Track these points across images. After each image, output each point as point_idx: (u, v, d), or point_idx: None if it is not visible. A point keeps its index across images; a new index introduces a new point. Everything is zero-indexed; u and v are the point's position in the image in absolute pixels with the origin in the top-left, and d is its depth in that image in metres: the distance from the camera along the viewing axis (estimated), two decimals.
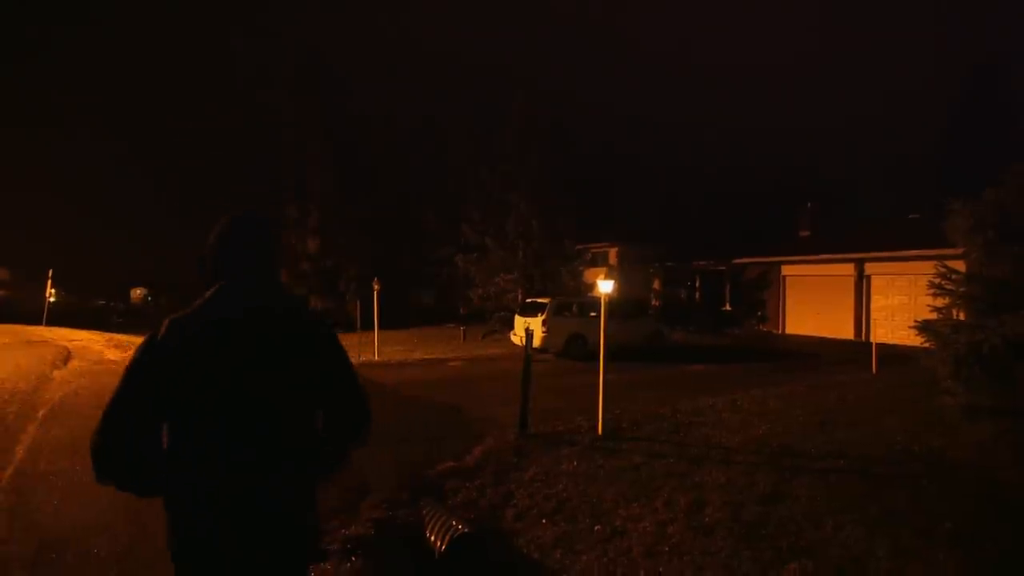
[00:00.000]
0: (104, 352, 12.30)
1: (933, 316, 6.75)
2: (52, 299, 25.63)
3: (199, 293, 1.58)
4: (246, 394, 1.48)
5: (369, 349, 14.22)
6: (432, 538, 3.37)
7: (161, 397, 1.45)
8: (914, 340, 7.25)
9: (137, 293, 52.73)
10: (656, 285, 24.14)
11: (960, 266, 6.93)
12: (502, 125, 20.79)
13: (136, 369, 1.47)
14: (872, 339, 11.47)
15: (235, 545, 1.45)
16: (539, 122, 19.64)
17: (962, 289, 6.54)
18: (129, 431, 1.43)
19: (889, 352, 11.27)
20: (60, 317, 25.23)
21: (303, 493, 1.58)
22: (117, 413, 1.43)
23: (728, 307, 21.35)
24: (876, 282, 16.79)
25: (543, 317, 12.97)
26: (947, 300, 6.68)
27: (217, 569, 1.47)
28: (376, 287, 13.83)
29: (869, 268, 16.90)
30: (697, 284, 22.88)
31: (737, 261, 20.80)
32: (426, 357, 13.93)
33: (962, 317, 6.65)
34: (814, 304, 18.32)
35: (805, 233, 21.12)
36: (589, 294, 17.03)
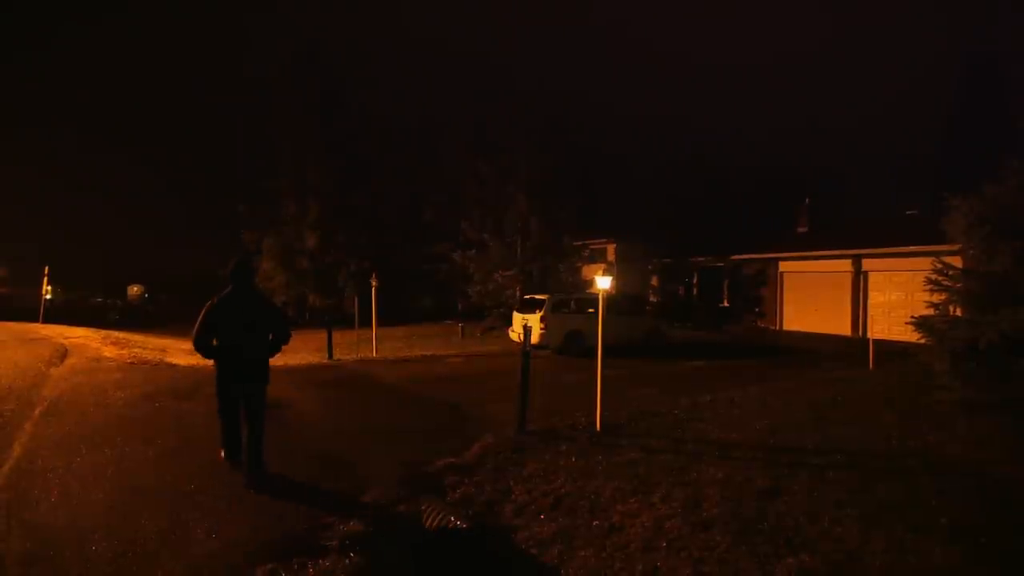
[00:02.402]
0: (101, 349, 12.25)
1: (930, 312, 6.77)
2: (48, 296, 25.55)
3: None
4: (244, 326, 4.59)
5: (367, 346, 14.20)
6: (431, 534, 3.38)
7: (213, 325, 4.54)
8: (911, 336, 7.25)
9: (134, 291, 52.35)
10: (654, 281, 24.15)
11: (957, 262, 6.94)
12: (502, 121, 20.73)
13: (204, 314, 4.52)
14: (869, 335, 11.49)
15: (238, 373, 4.62)
16: (539, 118, 19.57)
17: (959, 285, 6.56)
18: (201, 336, 4.53)
19: (886, 348, 11.30)
20: (58, 314, 25.19)
21: (263, 361, 4.72)
22: (197, 330, 4.51)
23: (726, 303, 21.38)
24: (873, 278, 16.83)
25: (541, 314, 12.95)
26: (944, 296, 6.69)
27: (229, 384, 4.63)
28: (374, 283, 13.75)
29: (867, 264, 16.94)
30: (695, 281, 22.89)
31: (735, 257, 20.81)
32: (425, 354, 13.91)
33: (959, 313, 6.66)
34: (812, 300, 18.36)
35: (803, 230, 21.15)
36: (587, 290, 17.03)
